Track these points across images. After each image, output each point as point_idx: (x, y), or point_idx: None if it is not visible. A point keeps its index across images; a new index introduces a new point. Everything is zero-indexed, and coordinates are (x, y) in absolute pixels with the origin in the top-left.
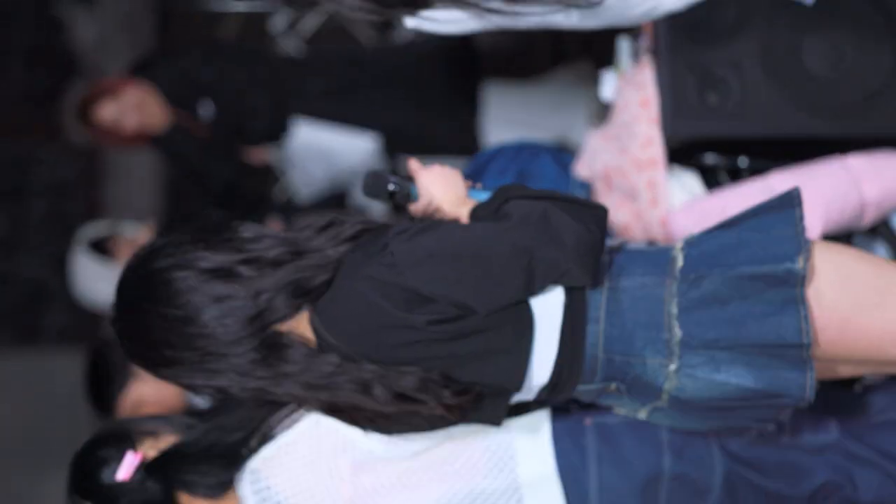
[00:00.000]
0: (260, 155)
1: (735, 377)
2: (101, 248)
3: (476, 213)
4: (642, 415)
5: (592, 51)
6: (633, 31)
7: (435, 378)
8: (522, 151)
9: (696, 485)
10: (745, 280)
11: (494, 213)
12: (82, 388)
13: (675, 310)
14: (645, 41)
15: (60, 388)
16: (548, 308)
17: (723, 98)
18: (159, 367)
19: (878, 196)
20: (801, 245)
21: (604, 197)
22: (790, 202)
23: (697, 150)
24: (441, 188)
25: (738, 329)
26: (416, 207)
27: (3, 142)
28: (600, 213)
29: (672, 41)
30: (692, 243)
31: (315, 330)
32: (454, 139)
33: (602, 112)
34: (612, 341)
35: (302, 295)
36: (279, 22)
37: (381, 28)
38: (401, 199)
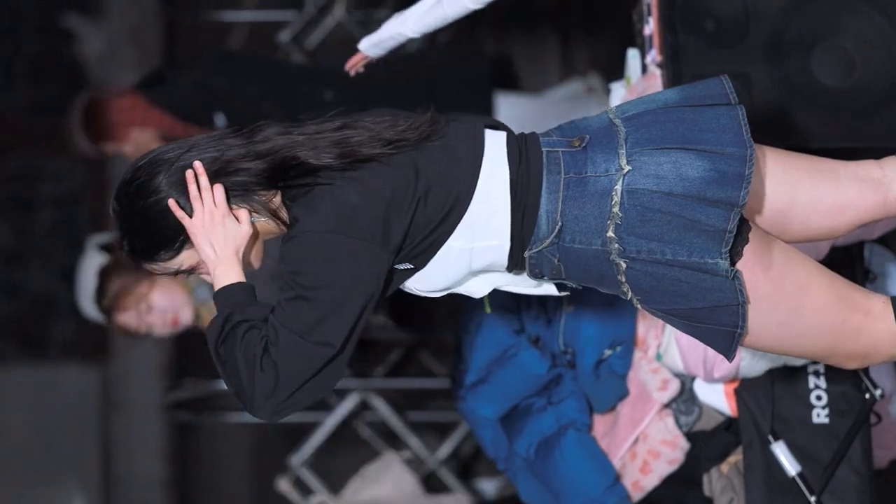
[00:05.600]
0: None
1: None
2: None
3: None
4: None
5: (601, 63)
6: (641, 44)
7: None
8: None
9: None
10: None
11: None
12: None
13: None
14: (653, 53)
15: (68, 401)
16: None
17: None
18: (146, 258)
19: None
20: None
21: None
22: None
23: None
24: None
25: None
26: None
27: (9, 153)
28: None
29: (680, 53)
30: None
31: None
32: None
33: None
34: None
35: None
36: (285, 34)
37: None
38: None
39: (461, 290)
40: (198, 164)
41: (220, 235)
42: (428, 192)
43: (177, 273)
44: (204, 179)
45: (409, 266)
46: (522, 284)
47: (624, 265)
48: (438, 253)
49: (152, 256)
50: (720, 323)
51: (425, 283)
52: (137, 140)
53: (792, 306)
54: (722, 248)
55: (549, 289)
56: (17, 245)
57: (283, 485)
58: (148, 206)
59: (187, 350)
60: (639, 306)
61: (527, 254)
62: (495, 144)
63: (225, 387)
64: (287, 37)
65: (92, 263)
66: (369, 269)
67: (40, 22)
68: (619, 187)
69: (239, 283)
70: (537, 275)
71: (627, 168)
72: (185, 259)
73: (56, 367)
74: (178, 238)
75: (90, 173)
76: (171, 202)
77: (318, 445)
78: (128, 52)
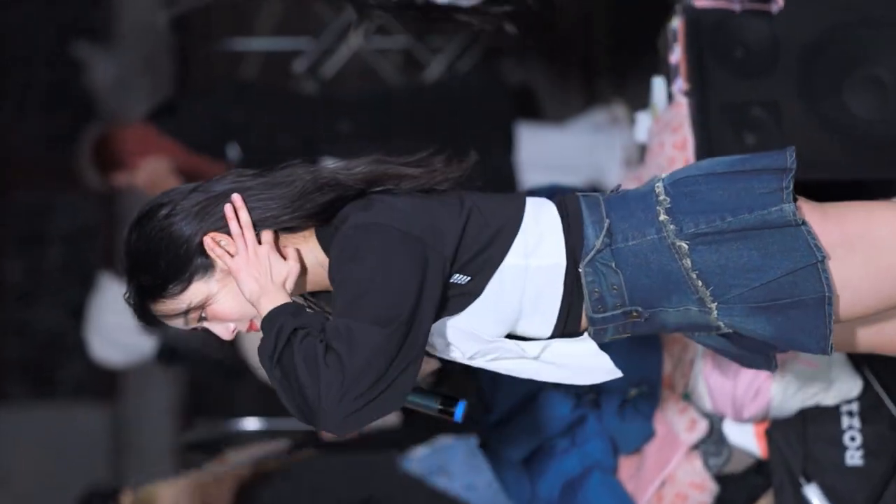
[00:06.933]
0: None
1: None
2: None
3: None
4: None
5: (626, 92)
6: (667, 72)
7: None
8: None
9: None
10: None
11: None
12: None
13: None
14: (680, 82)
15: (77, 441)
16: None
17: (761, 139)
18: (155, 294)
19: None
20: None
21: None
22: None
23: None
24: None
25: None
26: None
27: (20, 187)
28: None
29: (707, 81)
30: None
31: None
32: (488, 182)
33: (637, 154)
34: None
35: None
36: (301, 63)
37: (407, 68)
38: None
39: (513, 347)
40: (236, 197)
41: (265, 269)
42: (475, 209)
43: (187, 312)
44: (244, 214)
45: (466, 278)
46: (572, 352)
47: (686, 246)
48: (494, 276)
49: (161, 292)
50: (805, 293)
51: (477, 320)
52: (150, 168)
53: (869, 240)
54: (783, 195)
55: (601, 361)
56: (27, 283)
57: None
58: (157, 230)
59: (200, 390)
60: (714, 309)
61: (581, 268)
62: (531, 196)
63: (237, 428)
64: (302, 66)
65: (103, 299)
66: (424, 263)
67: (51, 52)
68: (659, 184)
69: (285, 304)
70: (597, 306)
71: (663, 175)
72: (195, 293)
73: (66, 407)
74: (187, 268)
75: (101, 209)
76: (208, 239)
77: None
78: (140, 81)
